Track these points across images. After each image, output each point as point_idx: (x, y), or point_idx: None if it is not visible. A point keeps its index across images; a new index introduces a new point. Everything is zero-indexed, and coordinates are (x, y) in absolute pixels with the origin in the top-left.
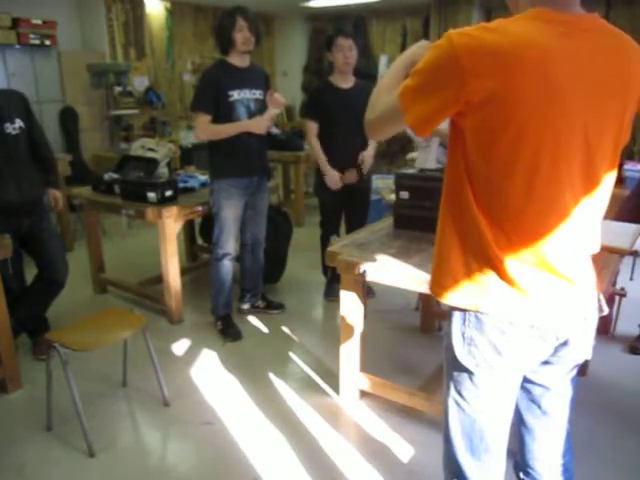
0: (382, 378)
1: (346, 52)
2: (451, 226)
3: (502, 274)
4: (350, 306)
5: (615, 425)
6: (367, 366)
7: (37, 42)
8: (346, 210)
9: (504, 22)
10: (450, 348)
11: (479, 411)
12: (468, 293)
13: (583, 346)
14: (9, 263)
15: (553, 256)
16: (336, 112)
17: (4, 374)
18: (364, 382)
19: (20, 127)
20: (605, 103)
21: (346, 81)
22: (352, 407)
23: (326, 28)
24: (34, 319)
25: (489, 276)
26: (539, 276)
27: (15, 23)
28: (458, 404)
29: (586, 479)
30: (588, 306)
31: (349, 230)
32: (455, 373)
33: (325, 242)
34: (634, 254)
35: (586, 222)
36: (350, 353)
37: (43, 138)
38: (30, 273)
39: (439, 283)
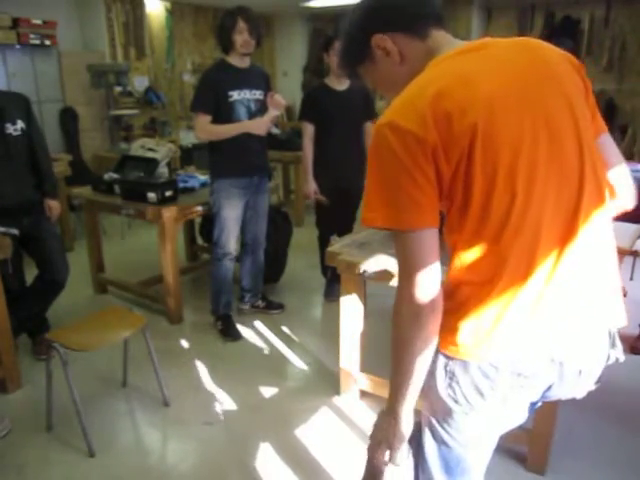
0: (382, 378)
1: None
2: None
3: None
4: (350, 306)
5: (615, 425)
6: (367, 366)
7: (37, 42)
8: (343, 210)
9: (412, 82)
10: (433, 375)
11: (457, 443)
12: (454, 342)
13: (572, 388)
14: (9, 263)
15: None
16: (332, 114)
17: (4, 374)
18: (364, 382)
19: (22, 129)
20: (546, 103)
21: (341, 83)
22: (352, 407)
23: (326, 28)
24: (34, 319)
25: (484, 328)
26: (525, 319)
27: (15, 23)
28: (434, 430)
29: (586, 479)
30: (593, 347)
31: (345, 230)
32: (436, 401)
33: (323, 242)
34: (634, 254)
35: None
36: (350, 353)
37: (42, 145)
38: (30, 273)
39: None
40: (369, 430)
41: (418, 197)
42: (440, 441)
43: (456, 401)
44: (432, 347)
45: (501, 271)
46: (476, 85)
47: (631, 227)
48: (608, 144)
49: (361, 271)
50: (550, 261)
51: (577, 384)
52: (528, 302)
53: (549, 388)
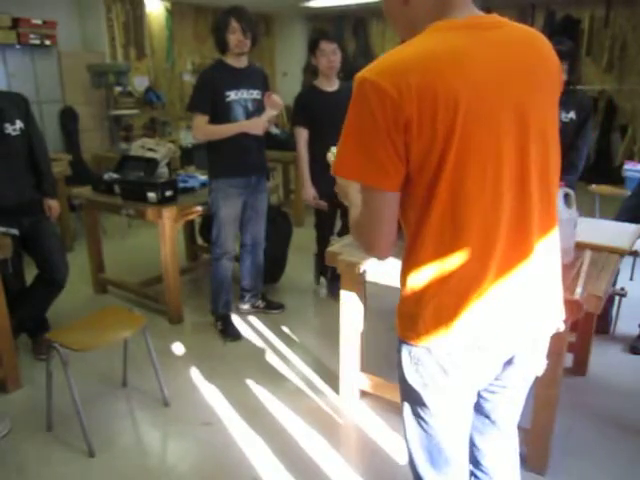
0: (382, 378)
1: (329, 56)
2: (406, 261)
3: (450, 310)
4: (350, 306)
5: (615, 425)
6: (367, 366)
7: (37, 42)
8: (342, 210)
9: (407, 43)
10: (400, 365)
11: (434, 427)
12: (417, 331)
13: (532, 365)
14: (9, 263)
15: (498, 275)
16: (323, 116)
17: (4, 374)
18: (364, 382)
19: (20, 129)
20: (533, 92)
21: (331, 84)
22: (352, 407)
23: (326, 28)
24: (34, 319)
25: (439, 313)
26: (484, 298)
27: (15, 23)
28: (414, 420)
29: (586, 479)
30: (540, 325)
31: (345, 230)
32: (407, 391)
33: (321, 243)
34: (634, 254)
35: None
36: (350, 353)
37: (41, 145)
38: (30, 273)
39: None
40: (369, 430)
41: (384, 161)
42: (420, 430)
43: (425, 385)
44: None
45: (461, 260)
46: (467, 71)
47: (631, 227)
48: None
49: (361, 271)
50: (508, 253)
51: (535, 358)
52: (487, 290)
53: (510, 361)
